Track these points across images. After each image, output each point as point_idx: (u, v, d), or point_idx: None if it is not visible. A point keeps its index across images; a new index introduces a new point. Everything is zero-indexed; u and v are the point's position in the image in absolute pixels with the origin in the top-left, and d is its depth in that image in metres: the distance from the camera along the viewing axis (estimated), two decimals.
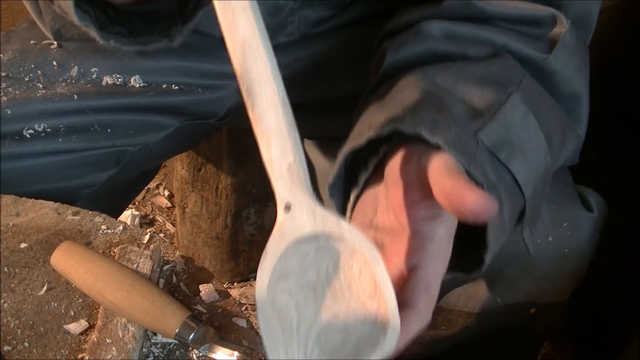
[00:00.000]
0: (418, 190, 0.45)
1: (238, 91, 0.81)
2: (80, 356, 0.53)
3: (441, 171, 0.43)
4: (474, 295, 0.70)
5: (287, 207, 0.40)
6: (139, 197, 1.46)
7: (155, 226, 1.43)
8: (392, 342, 0.39)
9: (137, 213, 1.41)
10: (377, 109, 0.52)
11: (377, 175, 0.50)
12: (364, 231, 0.43)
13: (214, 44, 0.78)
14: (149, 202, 1.47)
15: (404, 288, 0.43)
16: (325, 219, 0.40)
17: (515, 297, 0.69)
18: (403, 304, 0.42)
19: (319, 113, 0.81)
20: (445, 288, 0.71)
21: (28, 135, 0.68)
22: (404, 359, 0.85)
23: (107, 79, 0.73)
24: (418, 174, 0.45)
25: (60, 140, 0.69)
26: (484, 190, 0.42)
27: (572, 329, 0.89)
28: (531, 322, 0.74)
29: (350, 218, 0.50)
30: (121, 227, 0.63)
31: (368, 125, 0.49)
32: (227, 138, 1.08)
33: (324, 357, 0.40)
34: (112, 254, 0.61)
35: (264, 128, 0.40)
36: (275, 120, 0.40)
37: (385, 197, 0.48)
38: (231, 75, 0.78)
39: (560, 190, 0.68)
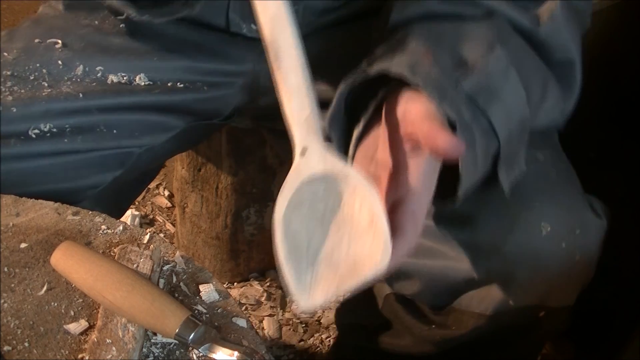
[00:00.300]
0: (404, 129, 0.51)
1: (243, 89, 0.82)
2: (80, 356, 0.53)
3: (421, 115, 0.50)
4: (487, 297, 0.71)
5: (303, 151, 0.48)
6: (139, 197, 1.46)
7: (155, 226, 1.43)
8: (384, 261, 0.47)
9: (137, 213, 1.41)
10: (371, 55, 0.58)
11: (379, 117, 0.56)
12: (366, 165, 0.53)
13: (217, 41, 0.78)
14: (149, 202, 1.47)
15: (394, 216, 0.49)
16: (334, 162, 0.49)
17: (526, 300, 0.70)
18: (393, 230, 0.48)
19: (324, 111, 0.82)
20: (459, 290, 0.72)
21: (34, 136, 0.68)
22: (413, 356, 0.86)
23: (113, 78, 0.73)
24: (404, 116, 0.51)
25: (65, 140, 0.69)
26: (456, 126, 0.50)
27: (572, 329, 0.89)
28: (538, 323, 0.75)
29: (354, 153, 0.56)
30: (121, 227, 0.64)
31: (363, 67, 0.56)
32: (227, 138, 1.08)
33: (328, 273, 0.48)
34: (112, 254, 0.61)
35: (287, 87, 0.49)
36: (296, 81, 0.48)
37: (383, 136, 0.54)
38: (236, 73, 0.79)
39: (571, 195, 0.69)
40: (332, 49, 0.78)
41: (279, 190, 0.47)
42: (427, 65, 0.52)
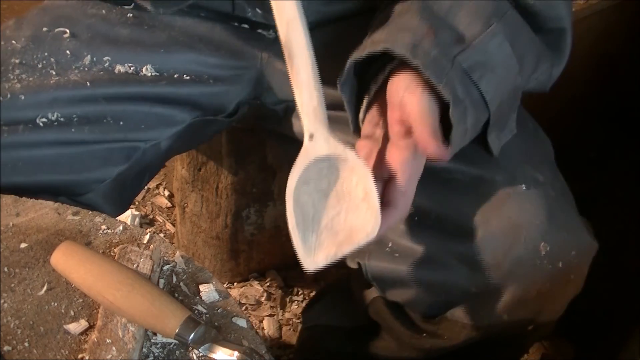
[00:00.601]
0: (400, 117, 0.58)
1: (248, 84, 0.82)
2: (80, 356, 0.54)
3: (416, 113, 0.56)
4: (482, 309, 0.72)
5: (311, 136, 0.56)
6: (139, 197, 1.46)
7: (155, 226, 1.43)
8: (375, 231, 0.55)
9: (137, 213, 1.41)
10: (380, 28, 0.62)
11: (386, 87, 0.61)
12: (372, 129, 0.61)
13: (224, 34, 0.78)
14: (149, 202, 1.47)
15: (387, 191, 0.58)
16: (336, 146, 0.56)
17: (520, 314, 0.72)
18: (387, 203, 0.57)
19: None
20: (455, 301, 0.73)
21: (41, 124, 0.68)
22: None
23: (120, 68, 0.74)
24: (401, 105, 0.57)
25: (73, 130, 0.70)
26: (450, 103, 0.56)
27: (572, 329, 0.89)
28: (526, 335, 0.77)
29: (364, 117, 0.63)
30: (121, 227, 0.64)
31: (371, 41, 0.61)
32: (227, 138, 1.08)
33: (329, 239, 0.56)
34: (112, 254, 0.61)
35: (298, 81, 0.56)
36: (306, 76, 0.56)
37: (385, 109, 0.60)
38: (241, 68, 0.80)
39: (570, 216, 0.71)
40: (339, 43, 0.78)
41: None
42: (428, 46, 0.57)
